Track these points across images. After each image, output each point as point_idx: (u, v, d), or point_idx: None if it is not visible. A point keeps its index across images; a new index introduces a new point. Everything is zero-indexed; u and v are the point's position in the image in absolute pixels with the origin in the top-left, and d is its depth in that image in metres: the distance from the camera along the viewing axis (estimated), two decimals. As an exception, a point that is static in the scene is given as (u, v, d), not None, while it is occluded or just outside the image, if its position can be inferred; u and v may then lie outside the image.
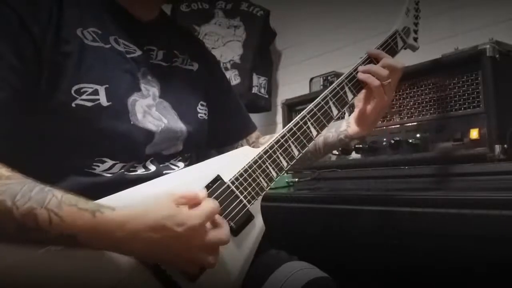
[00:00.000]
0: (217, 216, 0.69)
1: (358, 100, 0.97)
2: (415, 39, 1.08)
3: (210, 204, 0.67)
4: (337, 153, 1.35)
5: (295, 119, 0.86)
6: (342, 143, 1.03)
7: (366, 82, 0.92)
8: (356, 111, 0.99)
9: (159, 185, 0.74)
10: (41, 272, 0.60)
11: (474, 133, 1.03)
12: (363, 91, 0.95)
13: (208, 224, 0.66)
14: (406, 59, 1.08)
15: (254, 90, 2.10)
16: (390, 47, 1.00)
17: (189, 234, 0.63)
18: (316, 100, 0.89)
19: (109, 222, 0.61)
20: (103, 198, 0.67)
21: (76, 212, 0.61)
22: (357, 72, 0.94)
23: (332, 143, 1.03)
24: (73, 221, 0.60)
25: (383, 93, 0.92)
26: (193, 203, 0.67)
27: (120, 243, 0.62)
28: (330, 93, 0.91)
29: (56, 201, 0.60)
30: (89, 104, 0.74)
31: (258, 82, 2.12)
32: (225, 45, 2.11)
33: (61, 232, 0.60)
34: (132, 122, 0.78)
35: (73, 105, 0.73)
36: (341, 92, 0.92)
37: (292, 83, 2.19)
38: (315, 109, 0.88)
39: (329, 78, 1.59)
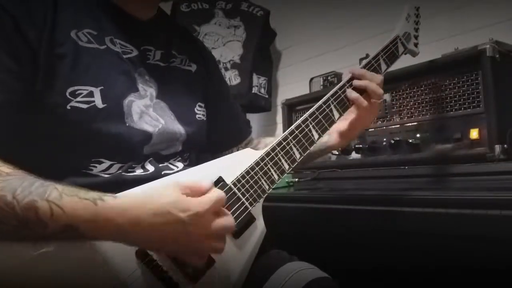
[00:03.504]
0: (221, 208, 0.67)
1: (346, 114, 0.95)
2: (416, 45, 1.09)
3: (215, 193, 0.66)
4: (337, 153, 1.35)
5: (297, 122, 0.86)
6: (321, 154, 1.05)
7: (355, 102, 0.92)
8: (345, 124, 0.99)
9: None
10: (40, 273, 0.59)
11: (474, 133, 1.03)
12: (351, 108, 0.94)
13: (212, 213, 0.65)
14: (406, 59, 1.09)
15: (254, 90, 2.10)
16: (391, 52, 1.01)
17: (193, 221, 0.62)
18: (318, 103, 0.90)
19: (110, 209, 0.60)
20: None
21: (78, 201, 0.59)
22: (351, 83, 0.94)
23: (312, 154, 0.99)
24: (75, 210, 0.58)
25: (375, 110, 0.95)
26: (198, 193, 0.65)
27: (122, 230, 0.60)
28: (331, 96, 0.91)
29: (57, 192, 0.59)
30: (84, 106, 0.73)
31: (258, 82, 2.12)
32: (225, 45, 2.11)
33: (63, 223, 0.58)
34: (127, 124, 0.78)
35: (68, 107, 0.72)
36: (343, 96, 0.92)
37: (292, 83, 2.19)
38: (316, 112, 0.89)
39: (329, 78, 1.59)
